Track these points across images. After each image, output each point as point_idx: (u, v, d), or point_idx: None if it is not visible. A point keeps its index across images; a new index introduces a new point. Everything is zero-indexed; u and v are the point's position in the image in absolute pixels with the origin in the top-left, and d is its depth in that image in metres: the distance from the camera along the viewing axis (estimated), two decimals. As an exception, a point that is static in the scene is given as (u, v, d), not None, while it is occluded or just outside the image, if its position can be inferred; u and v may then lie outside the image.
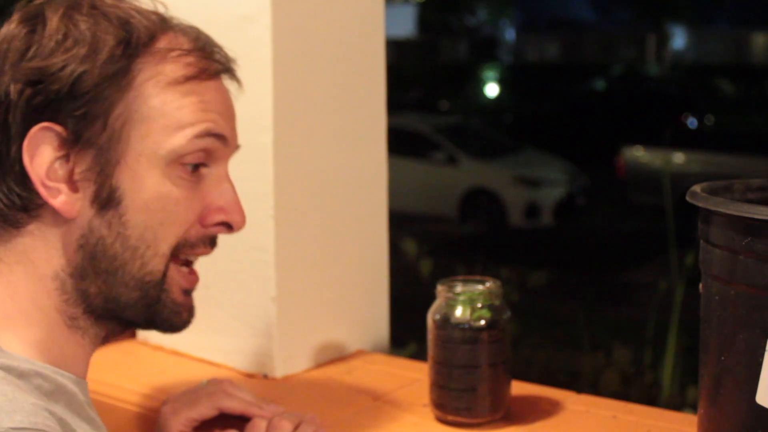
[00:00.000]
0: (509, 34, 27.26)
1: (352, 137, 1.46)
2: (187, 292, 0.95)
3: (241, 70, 0.97)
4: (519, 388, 1.26)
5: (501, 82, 21.30)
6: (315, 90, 1.40)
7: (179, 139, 0.88)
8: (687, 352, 3.26)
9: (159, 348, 1.51)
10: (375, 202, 1.52)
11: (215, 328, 1.41)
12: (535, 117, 15.69)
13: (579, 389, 1.31)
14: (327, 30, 1.41)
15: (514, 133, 13.55)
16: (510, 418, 1.19)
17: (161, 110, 0.87)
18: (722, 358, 0.88)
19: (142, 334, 1.54)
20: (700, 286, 0.94)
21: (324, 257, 1.44)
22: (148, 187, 0.87)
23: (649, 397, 3.15)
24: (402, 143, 9.48)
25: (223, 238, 0.99)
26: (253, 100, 1.32)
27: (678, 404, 3.08)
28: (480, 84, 21.23)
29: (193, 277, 0.95)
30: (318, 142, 1.41)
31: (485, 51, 25.20)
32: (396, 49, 22.39)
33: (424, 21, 25.48)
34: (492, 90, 21.17)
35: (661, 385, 3.26)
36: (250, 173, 1.33)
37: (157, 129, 0.87)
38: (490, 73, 21.86)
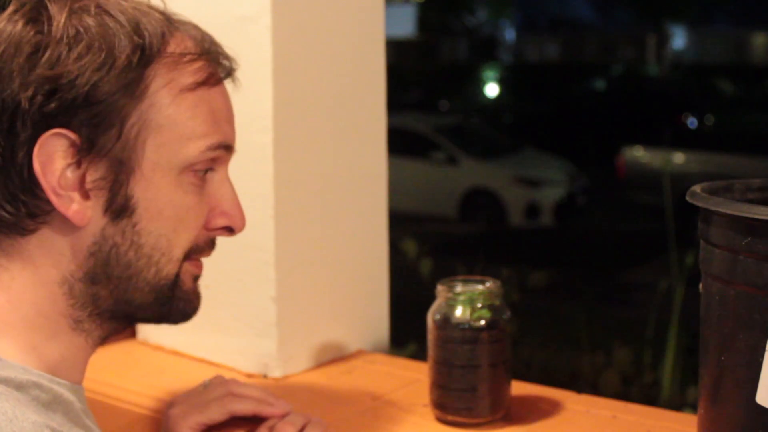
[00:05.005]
0: (509, 34, 27.27)
1: (352, 137, 1.46)
2: (196, 278, 0.95)
3: (241, 70, 0.97)
4: (519, 388, 1.26)
5: (501, 82, 21.28)
6: (315, 90, 1.40)
7: (193, 150, 0.87)
8: (687, 352, 3.26)
9: (159, 348, 1.51)
10: (375, 202, 1.51)
11: (215, 328, 1.41)
12: (535, 117, 15.68)
13: (579, 389, 1.31)
14: (327, 30, 1.41)
15: (514, 133, 13.56)
16: (510, 418, 1.19)
17: (175, 119, 0.86)
18: (722, 358, 0.88)
19: (142, 334, 1.54)
20: (700, 286, 0.93)
21: (324, 257, 1.44)
22: (162, 195, 0.87)
23: (649, 397, 3.16)
24: (402, 143, 9.49)
25: (223, 238, 0.99)
26: (253, 100, 1.32)
27: (678, 404, 3.08)
28: (480, 84, 21.21)
29: (200, 264, 0.95)
30: (318, 142, 1.41)
31: (485, 51, 25.19)
32: (396, 49, 22.38)
33: (424, 21, 25.48)
34: (492, 90, 21.14)
35: (661, 385, 3.26)
36: (250, 173, 1.34)
37: (172, 138, 0.86)
38: (490, 73, 21.84)
